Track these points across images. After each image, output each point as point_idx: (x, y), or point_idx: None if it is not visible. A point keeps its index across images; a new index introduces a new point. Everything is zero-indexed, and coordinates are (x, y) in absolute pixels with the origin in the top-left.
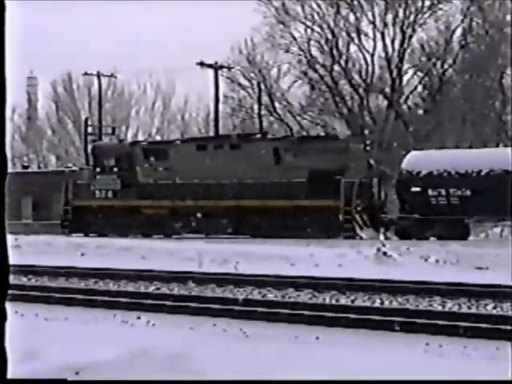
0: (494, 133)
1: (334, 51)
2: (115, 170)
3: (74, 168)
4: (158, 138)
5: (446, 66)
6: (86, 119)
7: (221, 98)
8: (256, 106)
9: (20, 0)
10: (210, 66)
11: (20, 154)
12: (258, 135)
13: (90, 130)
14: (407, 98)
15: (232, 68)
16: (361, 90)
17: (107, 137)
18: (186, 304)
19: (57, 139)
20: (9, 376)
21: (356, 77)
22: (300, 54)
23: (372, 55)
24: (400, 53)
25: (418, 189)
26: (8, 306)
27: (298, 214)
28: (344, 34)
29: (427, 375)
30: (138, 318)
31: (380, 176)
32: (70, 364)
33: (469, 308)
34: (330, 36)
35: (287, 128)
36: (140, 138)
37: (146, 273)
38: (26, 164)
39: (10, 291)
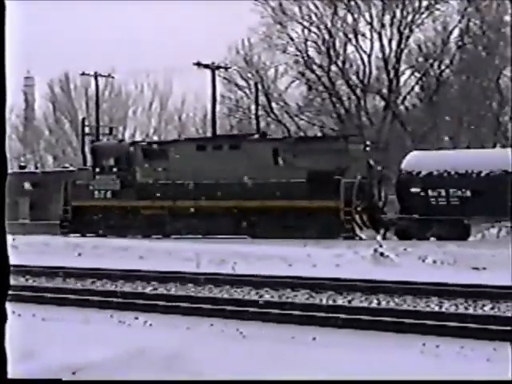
0: (491, 133)
1: (332, 52)
2: (115, 170)
3: (72, 168)
4: (156, 138)
5: (443, 67)
6: (83, 119)
7: (218, 98)
8: (253, 107)
9: (19, 0)
10: (206, 66)
11: (17, 154)
12: (256, 135)
13: (87, 130)
14: (404, 98)
15: (229, 68)
16: (358, 91)
17: (104, 137)
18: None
19: (54, 139)
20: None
21: (353, 77)
22: (297, 55)
23: (369, 56)
24: (397, 53)
25: (417, 189)
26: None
27: (298, 214)
28: (341, 34)
29: (424, 375)
30: (136, 318)
31: (380, 176)
32: (68, 364)
33: (466, 309)
34: (327, 36)
35: (284, 129)
36: (137, 138)
37: (142, 273)
38: (23, 164)
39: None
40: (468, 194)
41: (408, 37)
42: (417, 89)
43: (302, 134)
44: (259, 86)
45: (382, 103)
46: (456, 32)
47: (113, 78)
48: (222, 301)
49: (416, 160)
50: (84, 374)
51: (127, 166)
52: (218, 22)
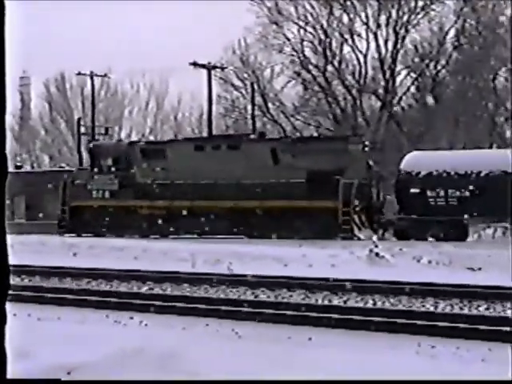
0: (486, 134)
1: (327, 52)
2: (113, 170)
3: (68, 168)
4: (152, 138)
5: (439, 67)
6: (79, 119)
7: (214, 98)
8: (249, 107)
9: (19, 0)
10: (203, 66)
11: (13, 154)
12: (253, 136)
13: (83, 129)
14: (400, 98)
15: (225, 68)
16: (354, 91)
17: (100, 137)
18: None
19: (50, 139)
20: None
21: (349, 77)
22: (293, 55)
23: (365, 56)
24: (393, 53)
25: (416, 189)
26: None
27: (296, 214)
28: (337, 34)
29: (422, 375)
30: (131, 318)
31: (378, 177)
32: (63, 364)
33: (461, 309)
34: (323, 37)
35: (280, 129)
36: (133, 138)
37: (138, 273)
38: (19, 164)
39: None
40: (467, 194)
41: (404, 37)
42: (413, 89)
43: (298, 134)
44: (255, 86)
45: (378, 103)
46: (452, 32)
47: (109, 77)
48: (217, 301)
49: (415, 160)
50: (79, 374)
51: (125, 166)
52: (215, 22)
